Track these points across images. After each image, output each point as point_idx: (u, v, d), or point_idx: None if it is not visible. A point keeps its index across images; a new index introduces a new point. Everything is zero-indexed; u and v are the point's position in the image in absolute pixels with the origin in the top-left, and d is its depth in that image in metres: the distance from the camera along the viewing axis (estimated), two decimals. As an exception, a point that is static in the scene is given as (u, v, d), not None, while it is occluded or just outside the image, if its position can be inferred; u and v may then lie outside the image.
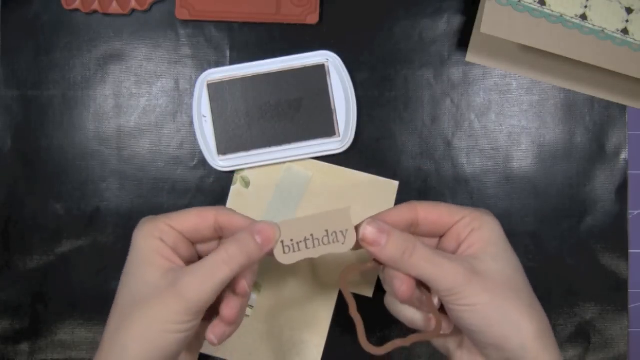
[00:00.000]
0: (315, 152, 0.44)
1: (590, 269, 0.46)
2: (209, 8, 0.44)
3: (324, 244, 0.36)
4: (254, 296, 0.45)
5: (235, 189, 0.45)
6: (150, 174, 0.46)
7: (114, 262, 0.46)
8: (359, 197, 0.45)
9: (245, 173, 0.45)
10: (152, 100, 0.46)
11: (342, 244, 0.36)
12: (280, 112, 0.44)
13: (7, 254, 0.46)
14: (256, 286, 0.45)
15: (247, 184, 0.45)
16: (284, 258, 0.36)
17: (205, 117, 0.44)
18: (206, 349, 0.45)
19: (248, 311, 0.45)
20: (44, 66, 0.46)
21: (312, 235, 0.36)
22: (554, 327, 0.45)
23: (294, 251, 0.36)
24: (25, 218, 0.46)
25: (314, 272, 0.45)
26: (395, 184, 0.45)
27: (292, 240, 0.36)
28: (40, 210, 0.46)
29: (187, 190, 0.46)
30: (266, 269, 0.45)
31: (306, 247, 0.36)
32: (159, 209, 0.45)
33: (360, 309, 0.46)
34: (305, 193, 0.45)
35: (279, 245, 0.36)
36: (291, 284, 0.45)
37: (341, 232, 0.36)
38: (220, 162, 0.44)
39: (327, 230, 0.36)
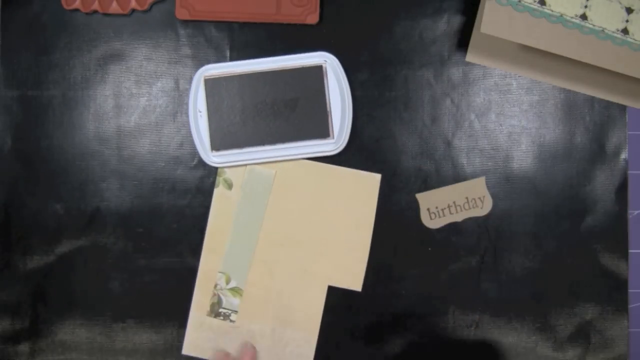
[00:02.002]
0: (309, 153, 0.44)
1: (590, 269, 0.46)
2: (209, 8, 0.44)
3: (465, 209, 0.44)
4: (235, 301, 0.45)
5: (218, 191, 0.45)
6: (150, 174, 0.46)
7: (114, 262, 0.46)
8: (340, 191, 0.45)
9: (227, 175, 0.45)
10: (152, 100, 0.46)
11: (481, 208, 0.44)
12: (276, 111, 0.44)
13: (7, 254, 0.46)
14: (237, 290, 0.45)
15: (229, 185, 0.45)
16: (430, 223, 0.45)
17: (200, 112, 0.44)
18: (199, 354, 0.45)
19: (232, 316, 0.45)
20: (44, 66, 0.46)
21: (454, 202, 0.44)
22: (554, 327, 0.45)
23: (439, 217, 0.44)
24: (25, 218, 0.46)
25: (302, 267, 0.45)
26: (377, 177, 0.45)
27: (437, 207, 0.44)
28: (40, 210, 0.46)
29: (187, 190, 0.46)
30: (246, 271, 0.45)
31: (450, 212, 0.44)
32: (159, 209, 0.45)
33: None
34: (271, 190, 0.45)
35: (426, 212, 0.44)
36: (279, 282, 0.45)
37: (479, 198, 0.44)
38: (214, 158, 0.44)
39: (467, 197, 0.44)
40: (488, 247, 0.45)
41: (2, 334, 0.46)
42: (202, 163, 0.45)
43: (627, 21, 0.40)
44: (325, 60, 0.44)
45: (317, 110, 0.44)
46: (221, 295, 0.44)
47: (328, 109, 0.44)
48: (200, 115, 0.44)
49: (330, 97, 0.44)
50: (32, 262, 0.46)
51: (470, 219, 0.45)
